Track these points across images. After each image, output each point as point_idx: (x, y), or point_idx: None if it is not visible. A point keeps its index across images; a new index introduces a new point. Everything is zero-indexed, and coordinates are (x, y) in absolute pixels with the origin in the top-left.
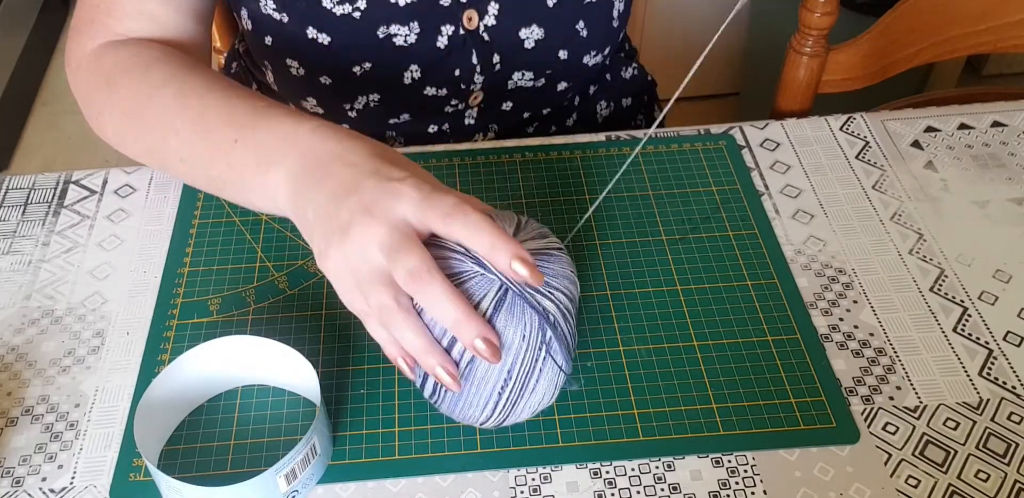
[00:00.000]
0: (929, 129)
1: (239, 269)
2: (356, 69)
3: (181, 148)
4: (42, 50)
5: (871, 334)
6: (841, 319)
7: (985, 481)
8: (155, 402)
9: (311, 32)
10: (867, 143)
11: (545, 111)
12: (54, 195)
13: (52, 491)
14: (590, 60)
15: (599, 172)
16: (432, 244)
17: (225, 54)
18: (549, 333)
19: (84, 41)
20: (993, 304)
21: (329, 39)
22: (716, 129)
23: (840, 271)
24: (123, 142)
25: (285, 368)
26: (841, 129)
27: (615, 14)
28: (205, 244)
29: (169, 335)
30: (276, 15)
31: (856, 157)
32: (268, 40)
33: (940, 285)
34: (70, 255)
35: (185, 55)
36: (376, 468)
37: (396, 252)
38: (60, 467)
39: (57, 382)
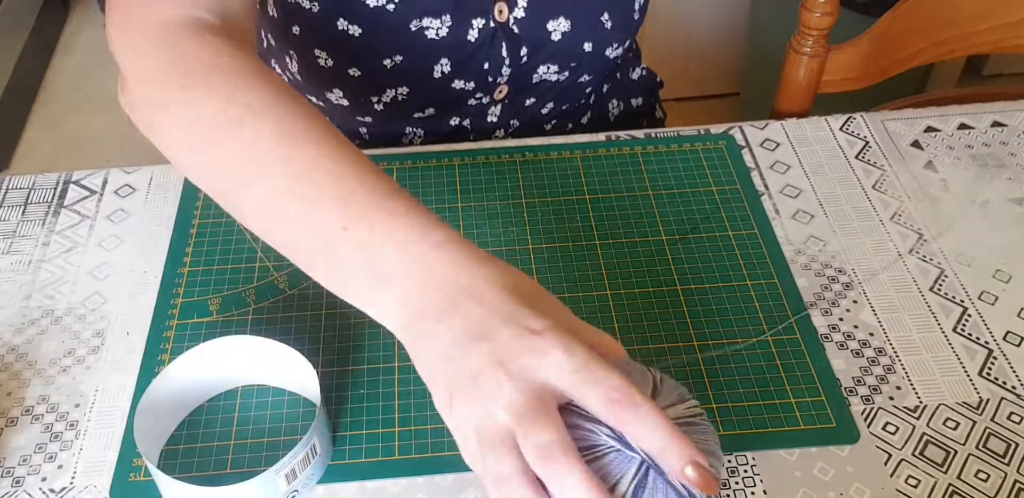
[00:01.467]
0: (929, 129)
1: (239, 269)
2: (387, 62)
3: (267, 204)
4: (42, 50)
5: (871, 334)
6: (841, 319)
7: (985, 481)
8: (155, 402)
9: (342, 23)
10: (867, 143)
11: (564, 107)
12: (54, 195)
13: (52, 491)
14: (612, 52)
15: (599, 172)
16: (561, 408)
17: None
18: None
19: (155, 8)
20: (993, 304)
21: (360, 31)
22: (716, 129)
23: (840, 271)
24: (187, 163)
25: (285, 368)
26: (841, 129)
27: (636, 6)
28: (205, 244)
29: (169, 335)
30: (306, 3)
31: (856, 157)
32: (296, 30)
33: (940, 285)
34: (70, 255)
35: (271, 72)
36: (376, 468)
37: (528, 422)
38: (60, 467)
39: (57, 382)
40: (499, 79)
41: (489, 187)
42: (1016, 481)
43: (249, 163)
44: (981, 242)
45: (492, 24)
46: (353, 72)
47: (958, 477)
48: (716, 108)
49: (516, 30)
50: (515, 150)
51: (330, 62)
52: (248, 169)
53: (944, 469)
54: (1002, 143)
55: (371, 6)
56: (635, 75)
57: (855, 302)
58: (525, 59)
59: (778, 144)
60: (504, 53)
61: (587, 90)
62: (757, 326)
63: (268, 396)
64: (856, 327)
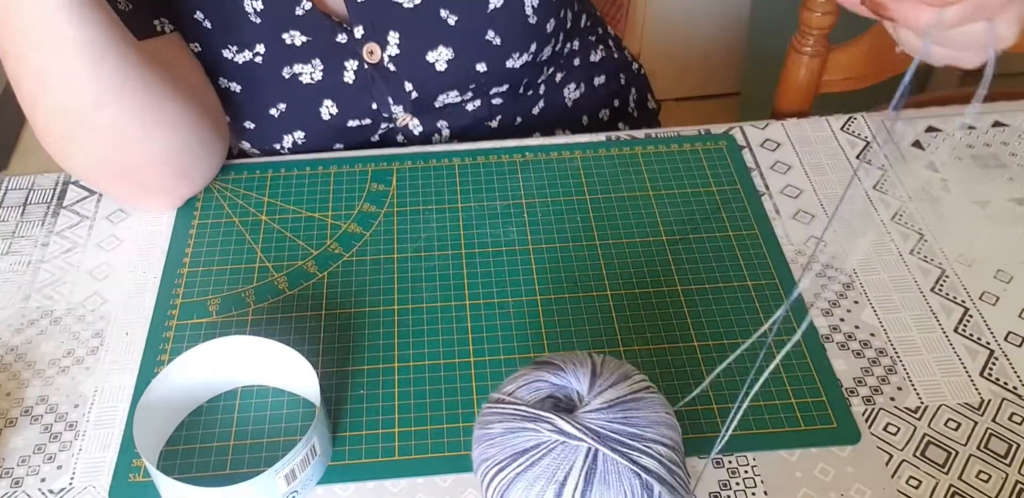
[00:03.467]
0: (930, 129)
1: (239, 269)
2: (273, 111)
3: None
4: None
5: (872, 334)
6: (842, 319)
7: (986, 482)
8: (155, 402)
9: (223, 82)
10: (868, 143)
11: (494, 112)
12: (53, 195)
13: (51, 492)
14: (515, 62)
15: (599, 172)
16: (493, 411)
17: None
18: (658, 489)
19: None
20: (994, 304)
21: (240, 87)
22: (716, 129)
23: (840, 271)
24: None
25: (285, 368)
26: (842, 129)
27: (528, 11)
28: (205, 244)
29: (168, 335)
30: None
31: (857, 157)
32: None
33: (941, 285)
34: (69, 255)
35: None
36: (376, 468)
37: None
38: (59, 468)
39: (56, 383)
40: (394, 115)
41: (489, 187)
42: (1017, 482)
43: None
44: (982, 242)
45: (366, 66)
46: (248, 125)
47: (959, 478)
48: (716, 108)
49: (393, 68)
50: (515, 150)
51: (227, 118)
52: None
53: (945, 470)
54: (1003, 143)
55: (240, 62)
56: (595, 57)
57: (856, 302)
58: (414, 94)
59: (779, 144)
60: (386, 92)
61: (515, 94)
62: (758, 327)
63: (268, 396)
64: (857, 327)
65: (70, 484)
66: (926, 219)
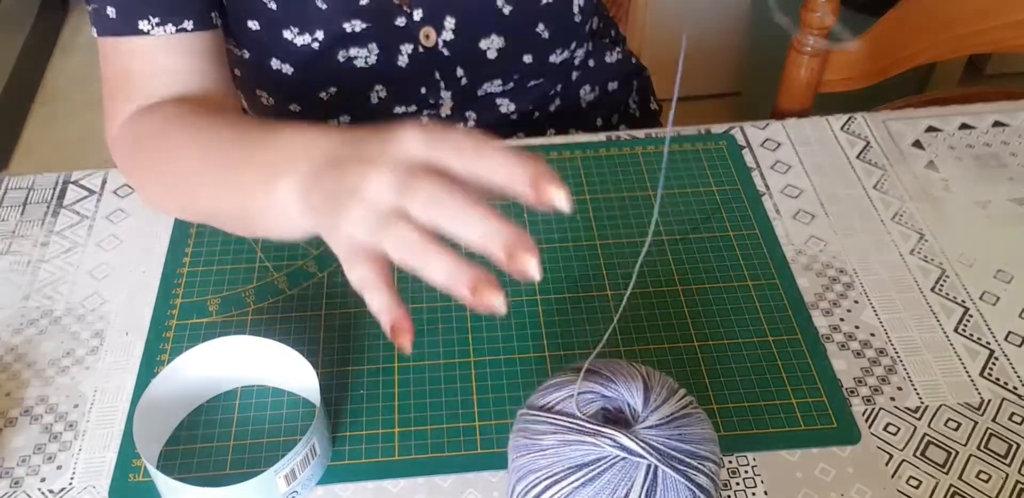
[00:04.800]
0: (930, 129)
1: (239, 269)
2: (323, 94)
3: (206, 195)
4: (41, 50)
5: (872, 334)
6: (842, 319)
7: (986, 482)
8: (155, 402)
9: (275, 63)
10: (868, 143)
11: (521, 106)
12: (53, 195)
13: (51, 492)
14: (557, 58)
15: (599, 172)
16: (541, 421)
17: None
18: None
19: (116, 113)
20: (994, 304)
21: (292, 69)
22: (717, 129)
23: (841, 271)
24: (164, 206)
25: (285, 368)
26: (842, 129)
27: (575, 10)
28: (205, 244)
29: (168, 335)
30: (237, 51)
31: (857, 157)
32: (236, 72)
33: (941, 285)
34: (69, 255)
35: (209, 103)
36: (376, 469)
37: (408, 184)
38: (59, 468)
39: (56, 382)
40: (440, 100)
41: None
42: (1017, 482)
43: (181, 177)
44: (982, 242)
45: (421, 49)
46: (294, 107)
47: (959, 478)
48: (717, 108)
49: (447, 53)
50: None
51: (271, 100)
52: (183, 180)
53: (945, 470)
54: (1003, 143)
55: (298, 45)
56: (611, 59)
57: (856, 302)
58: (464, 80)
59: (779, 144)
60: (438, 76)
61: (538, 92)
62: (758, 326)
63: (268, 396)
64: (857, 327)
65: (70, 484)
66: (926, 219)
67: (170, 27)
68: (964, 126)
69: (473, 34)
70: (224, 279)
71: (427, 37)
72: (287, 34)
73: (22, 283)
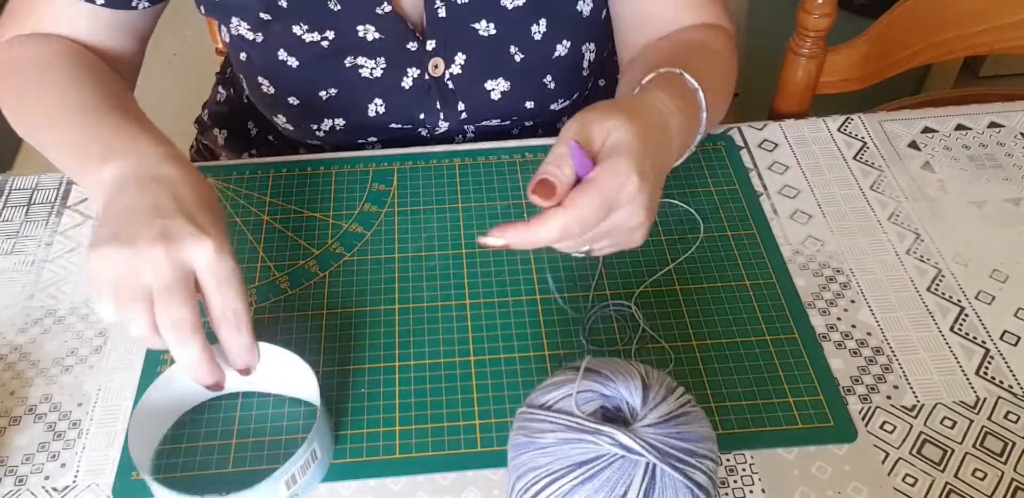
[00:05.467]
0: (926, 130)
1: (240, 269)
2: (323, 94)
3: (50, 141)
4: None
5: (868, 333)
6: (839, 319)
7: (982, 480)
8: (155, 402)
9: (282, 54)
10: (865, 144)
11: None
12: (57, 195)
13: (55, 490)
14: (557, 106)
15: None
16: (541, 419)
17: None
18: None
19: (6, 29)
20: (990, 304)
21: (298, 63)
22: (715, 130)
23: (838, 271)
24: (13, 123)
25: (284, 373)
26: (839, 130)
27: (585, 65)
28: None
29: None
30: (250, 35)
31: (854, 158)
32: (243, 56)
33: (937, 285)
34: (73, 255)
35: (93, 58)
36: (377, 467)
37: (168, 296)
38: (63, 466)
39: (60, 381)
40: (436, 129)
41: (489, 187)
42: (1013, 480)
43: (36, 117)
44: (978, 242)
45: (427, 76)
46: (292, 101)
47: (955, 476)
48: None
49: (451, 86)
50: (515, 150)
51: (272, 90)
52: (38, 121)
53: (941, 468)
54: (999, 144)
55: (307, 41)
56: (602, 82)
57: (853, 302)
58: (464, 115)
59: (776, 145)
60: (439, 106)
61: (536, 131)
62: (755, 325)
63: (269, 395)
64: (854, 327)
65: (74, 482)
66: (923, 219)
67: None
68: (960, 127)
69: (481, 73)
70: None
71: (435, 67)
72: (296, 29)
73: (26, 283)
